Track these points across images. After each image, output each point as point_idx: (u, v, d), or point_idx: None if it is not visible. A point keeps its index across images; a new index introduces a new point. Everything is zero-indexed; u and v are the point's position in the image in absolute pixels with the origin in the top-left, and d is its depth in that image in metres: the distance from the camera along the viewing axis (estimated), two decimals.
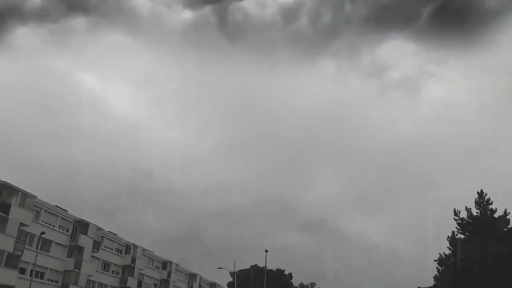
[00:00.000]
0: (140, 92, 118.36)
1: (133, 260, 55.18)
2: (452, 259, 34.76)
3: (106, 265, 51.88)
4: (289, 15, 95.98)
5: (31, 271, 38.46)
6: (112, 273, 53.04)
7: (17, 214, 36.48)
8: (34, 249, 38.40)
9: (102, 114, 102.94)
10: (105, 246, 51.41)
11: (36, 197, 39.25)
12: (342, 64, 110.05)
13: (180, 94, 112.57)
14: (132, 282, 54.62)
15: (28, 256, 37.51)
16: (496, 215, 33.90)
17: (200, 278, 73.77)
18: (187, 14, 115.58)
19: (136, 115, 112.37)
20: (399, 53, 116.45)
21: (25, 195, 37.73)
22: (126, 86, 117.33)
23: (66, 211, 44.95)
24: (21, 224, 37.08)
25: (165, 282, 63.50)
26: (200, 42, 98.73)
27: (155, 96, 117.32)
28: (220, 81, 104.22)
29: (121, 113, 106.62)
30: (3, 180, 36.07)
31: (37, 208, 40.36)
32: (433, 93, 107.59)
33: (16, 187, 36.95)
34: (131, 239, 56.11)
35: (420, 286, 43.18)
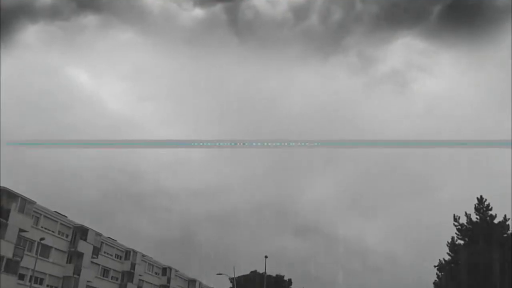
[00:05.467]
0: (139, 92, 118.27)
1: (133, 266, 55.06)
2: (452, 264, 34.79)
3: (105, 271, 51.74)
4: (300, 12, 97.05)
5: (31, 277, 38.43)
6: (112, 279, 52.88)
7: (16, 220, 36.48)
8: (34, 255, 38.34)
9: (97, 113, 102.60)
10: (105, 252, 51.31)
11: (35, 202, 39.27)
12: (344, 63, 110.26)
13: (178, 94, 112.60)
14: None
15: (28, 262, 37.45)
16: (495, 221, 33.92)
17: (200, 284, 73.48)
18: (198, 12, 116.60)
19: (133, 113, 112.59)
20: (407, 52, 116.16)
21: (25, 200, 37.75)
22: (126, 86, 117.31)
23: (66, 216, 44.93)
24: (21, 230, 37.07)
25: None
26: (209, 40, 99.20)
27: (153, 96, 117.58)
28: (219, 80, 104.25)
29: (120, 113, 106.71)
30: (3, 186, 36.06)
31: (37, 214, 40.35)
32: (432, 92, 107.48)
33: (16, 192, 36.97)
34: (126, 244, 56.01)
35: None
